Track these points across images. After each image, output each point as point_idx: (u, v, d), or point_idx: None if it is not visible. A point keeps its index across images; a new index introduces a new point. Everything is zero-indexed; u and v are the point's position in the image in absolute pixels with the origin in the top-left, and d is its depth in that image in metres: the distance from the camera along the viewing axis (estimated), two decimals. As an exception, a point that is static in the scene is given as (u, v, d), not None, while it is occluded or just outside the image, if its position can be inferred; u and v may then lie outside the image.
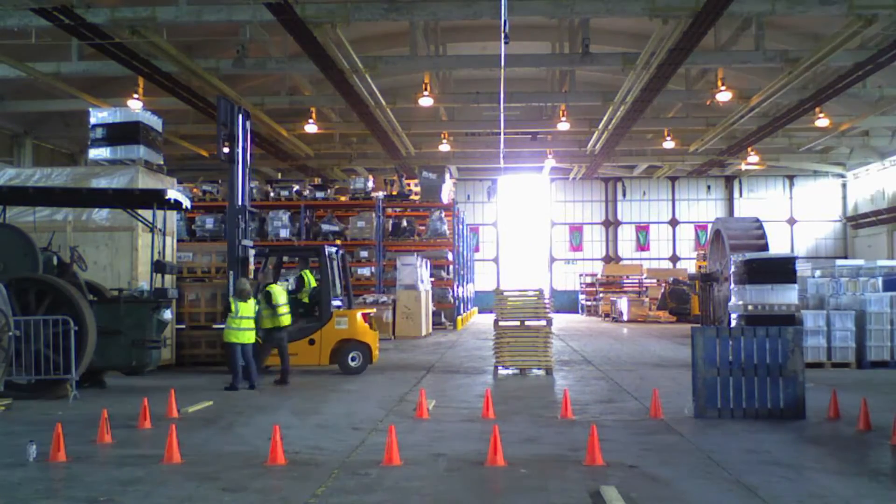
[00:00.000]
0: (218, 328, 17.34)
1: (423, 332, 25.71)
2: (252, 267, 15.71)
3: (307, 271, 16.24)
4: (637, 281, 42.76)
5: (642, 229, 47.87)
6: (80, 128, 33.13)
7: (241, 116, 15.36)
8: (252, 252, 15.59)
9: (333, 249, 16.16)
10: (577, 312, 44.60)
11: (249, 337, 13.25)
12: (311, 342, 15.06)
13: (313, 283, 15.72)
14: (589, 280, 44.72)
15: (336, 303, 15.60)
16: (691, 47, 21.00)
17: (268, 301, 13.80)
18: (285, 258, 16.64)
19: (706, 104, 30.21)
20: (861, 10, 18.98)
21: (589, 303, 43.60)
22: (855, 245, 44.92)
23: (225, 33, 24.51)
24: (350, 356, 15.09)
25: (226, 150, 15.14)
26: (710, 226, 29.99)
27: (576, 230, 48.31)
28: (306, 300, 15.73)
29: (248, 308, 13.27)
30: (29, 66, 23.09)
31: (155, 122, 16.52)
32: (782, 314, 16.70)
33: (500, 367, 15.03)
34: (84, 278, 13.23)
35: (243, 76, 28.15)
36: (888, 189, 40.19)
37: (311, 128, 30.66)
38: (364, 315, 15.49)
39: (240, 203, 15.26)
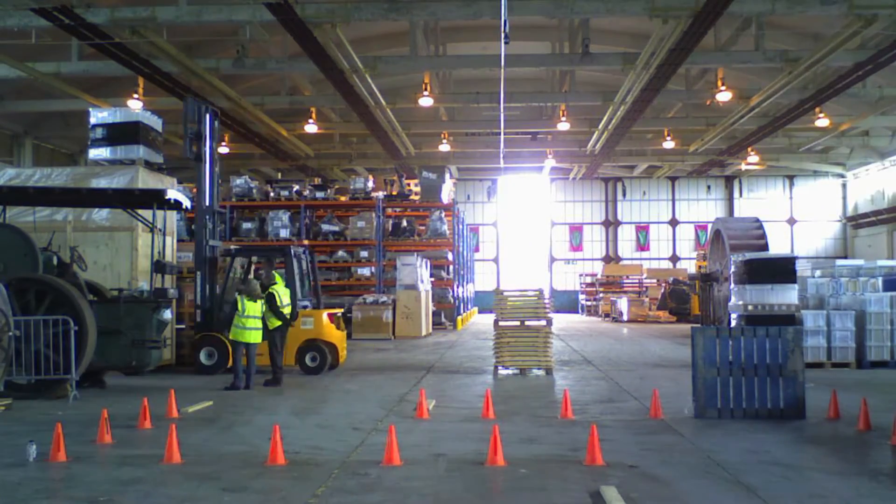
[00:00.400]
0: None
1: (423, 332, 25.72)
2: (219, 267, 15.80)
3: (274, 272, 16.09)
4: (637, 281, 42.76)
5: (642, 229, 47.88)
6: (80, 128, 33.12)
7: (208, 116, 15.37)
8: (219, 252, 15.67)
9: (301, 250, 16.16)
10: (577, 312, 44.60)
11: (255, 337, 13.26)
12: None
13: (280, 284, 15.72)
14: (589, 280, 44.72)
15: (304, 303, 15.57)
16: (691, 47, 21.00)
17: (271, 302, 13.78)
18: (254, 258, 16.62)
19: (706, 104, 30.21)
20: (861, 10, 18.98)
21: (589, 303, 43.60)
22: (855, 245, 44.92)
23: (225, 33, 24.51)
24: (309, 356, 15.04)
25: (194, 149, 15.17)
26: (710, 226, 29.99)
27: (576, 230, 48.32)
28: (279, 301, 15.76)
29: (255, 308, 13.27)
30: (29, 66, 23.09)
31: (155, 122, 16.52)
32: (782, 314, 16.69)
33: (500, 367, 15.03)
34: (84, 278, 13.24)
35: (243, 76, 28.15)
36: (888, 189, 40.19)
37: (311, 128, 30.66)
38: (330, 315, 15.49)
39: (207, 203, 15.33)
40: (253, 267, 16.62)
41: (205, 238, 15.20)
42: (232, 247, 16.78)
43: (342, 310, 17.26)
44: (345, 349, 16.12)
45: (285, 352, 14.51)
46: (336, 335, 15.48)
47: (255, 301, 13.30)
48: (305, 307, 15.55)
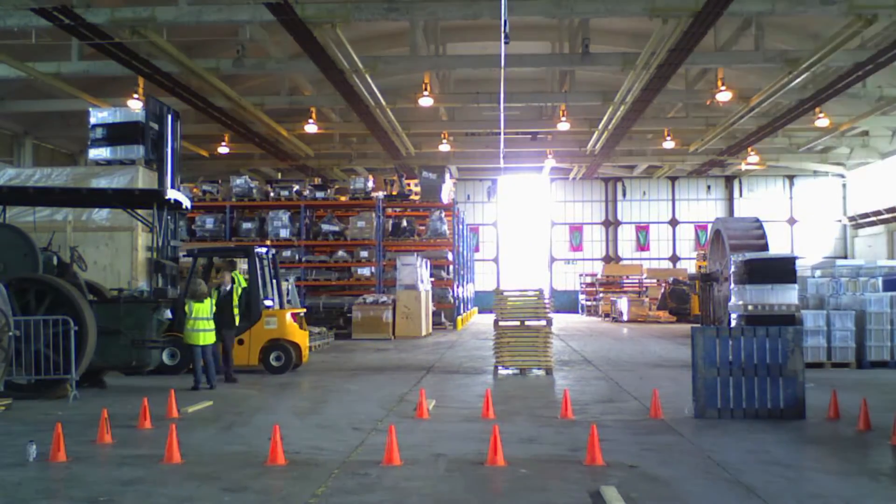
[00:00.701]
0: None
1: (423, 332, 25.71)
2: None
3: (237, 272, 16.04)
4: (637, 281, 42.76)
5: (642, 229, 47.87)
6: (80, 128, 33.12)
7: (170, 117, 15.37)
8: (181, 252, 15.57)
9: (263, 250, 16.17)
10: (577, 312, 44.60)
11: (208, 338, 13.23)
12: (241, 342, 15.04)
13: (243, 284, 15.52)
14: (589, 280, 44.72)
15: (268, 303, 15.65)
16: (691, 47, 21.00)
17: (223, 304, 13.89)
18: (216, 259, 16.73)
19: (706, 104, 30.20)
20: (861, 10, 18.98)
21: (589, 303, 43.59)
22: (855, 245, 44.92)
23: (225, 33, 24.50)
24: (274, 355, 15.16)
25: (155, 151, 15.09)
26: (710, 226, 29.97)
27: (576, 230, 48.32)
28: (236, 300, 15.27)
29: (203, 308, 13.25)
30: (29, 66, 23.09)
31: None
32: (782, 314, 16.68)
33: (500, 367, 15.02)
34: (84, 278, 13.24)
35: (243, 76, 28.15)
36: (888, 189, 40.18)
37: (311, 128, 30.66)
38: (293, 315, 15.60)
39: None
40: (214, 268, 16.68)
41: (167, 238, 14.72)
42: (194, 248, 16.79)
43: (304, 309, 17.40)
44: (307, 348, 16.22)
45: (249, 351, 14.97)
46: (299, 334, 15.57)
47: (203, 302, 13.25)
48: (269, 307, 15.61)
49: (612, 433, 9.08)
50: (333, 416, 10.55)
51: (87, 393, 12.53)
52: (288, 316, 15.39)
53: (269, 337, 15.15)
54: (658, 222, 47.77)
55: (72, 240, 14.87)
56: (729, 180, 47.17)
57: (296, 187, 30.16)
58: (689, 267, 42.08)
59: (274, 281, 16.28)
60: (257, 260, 15.52)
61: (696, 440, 8.79)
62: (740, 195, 47.09)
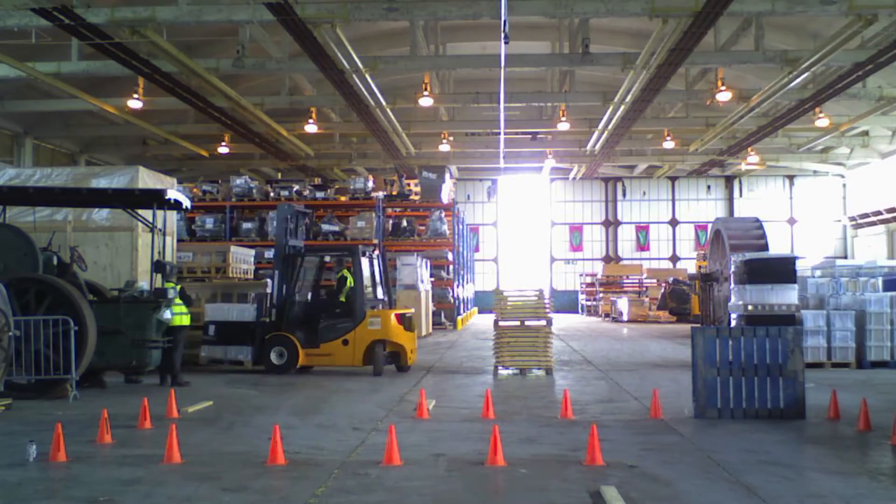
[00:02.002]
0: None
1: (423, 332, 25.69)
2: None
3: (346, 271, 16.21)
4: (637, 281, 42.74)
5: (642, 229, 47.86)
6: (80, 128, 33.28)
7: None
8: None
9: (370, 249, 16.08)
10: (577, 312, 44.59)
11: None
12: (345, 342, 14.87)
13: (351, 283, 15.62)
14: (589, 280, 44.70)
15: (371, 303, 15.52)
16: (691, 47, 20.99)
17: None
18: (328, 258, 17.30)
19: (706, 104, 30.19)
20: (861, 10, 18.95)
21: (589, 303, 43.58)
22: (855, 245, 44.91)
23: (225, 33, 24.49)
24: (380, 357, 14.82)
25: None
26: (710, 226, 29.97)
27: (576, 230, 48.31)
28: (344, 300, 15.77)
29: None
30: (29, 66, 23.07)
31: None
32: (782, 314, 16.68)
33: (500, 367, 15.02)
34: (84, 278, 13.23)
35: (243, 76, 28.14)
36: (888, 189, 40.16)
37: (311, 128, 30.64)
38: (398, 316, 15.17)
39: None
40: (324, 266, 16.77)
41: (285, 237, 15.24)
42: (300, 247, 16.31)
43: (412, 310, 16.95)
44: (414, 351, 15.73)
45: (353, 353, 14.74)
46: (405, 336, 15.16)
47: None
48: (375, 307, 15.43)
49: (612, 433, 9.08)
50: (333, 416, 10.55)
51: (87, 393, 12.53)
52: (392, 317, 14.98)
53: (372, 338, 14.77)
54: (658, 222, 47.76)
55: (72, 240, 14.84)
56: (729, 180, 47.16)
57: (296, 187, 30.16)
58: (689, 267, 42.05)
59: (382, 280, 16.03)
60: (364, 259, 15.36)
61: (696, 440, 8.79)
62: (740, 195, 47.08)
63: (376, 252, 16.38)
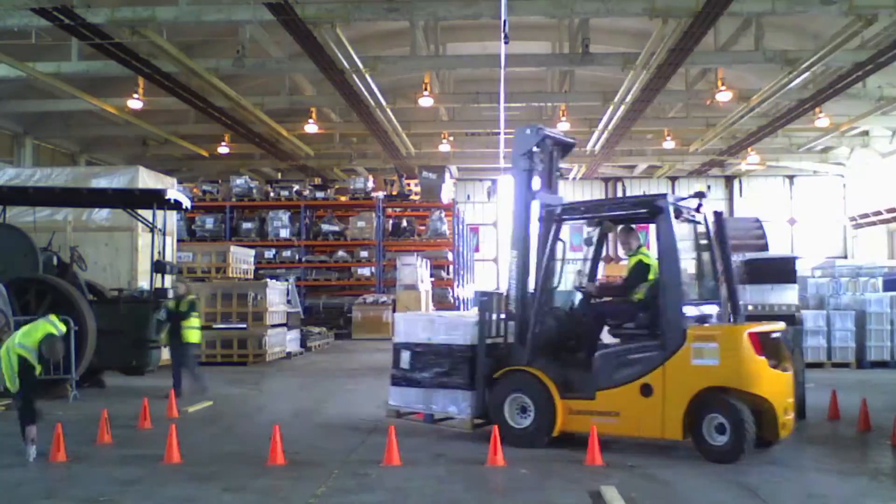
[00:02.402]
0: (218, 328, 17.41)
1: (423, 332, 25.63)
2: None
3: (644, 250, 9.74)
4: (637, 281, 42.64)
5: (643, 229, 47.77)
6: (80, 128, 33.26)
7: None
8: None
9: (694, 205, 9.41)
10: (577, 312, 44.51)
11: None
12: (646, 390, 7.99)
13: (656, 272, 9.00)
14: (589, 280, 44.60)
15: (697, 311, 8.56)
16: (691, 47, 20.99)
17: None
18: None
19: (706, 104, 30.18)
20: (861, 10, 18.95)
21: (589, 303, 43.49)
22: (855, 245, 44.91)
23: (225, 33, 24.48)
24: (715, 423, 7.67)
25: None
26: (710, 226, 29.90)
27: (576, 230, 48.22)
28: (641, 301, 8.96)
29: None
30: (29, 66, 23.06)
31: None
32: (782, 314, 16.68)
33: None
34: (84, 278, 13.24)
35: (243, 76, 28.10)
36: (888, 189, 40.15)
37: (311, 128, 30.63)
38: (755, 337, 7.78)
39: None
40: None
41: (528, 186, 9.56)
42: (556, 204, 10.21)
43: (783, 326, 8.86)
44: (790, 408, 8.10)
45: (663, 412, 7.89)
46: (774, 382, 7.84)
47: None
48: (704, 320, 8.51)
49: (612, 433, 9.05)
50: (333, 416, 10.55)
51: (87, 393, 12.53)
52: (745, 338, 7.75)
53: (701, 384, 7.73)
54: (658, 222, 47.68)
55: (72, 240, 14.84)
56: (729, 180, 47.13)
57: (296, 187, 30.17)
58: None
59: (724, 266, 9.01)
60: (681, 224, 9.15)
61: (696, 440, 8.76)
62: (740, 195, 47.03)
63: (705, 214, 9.39)
